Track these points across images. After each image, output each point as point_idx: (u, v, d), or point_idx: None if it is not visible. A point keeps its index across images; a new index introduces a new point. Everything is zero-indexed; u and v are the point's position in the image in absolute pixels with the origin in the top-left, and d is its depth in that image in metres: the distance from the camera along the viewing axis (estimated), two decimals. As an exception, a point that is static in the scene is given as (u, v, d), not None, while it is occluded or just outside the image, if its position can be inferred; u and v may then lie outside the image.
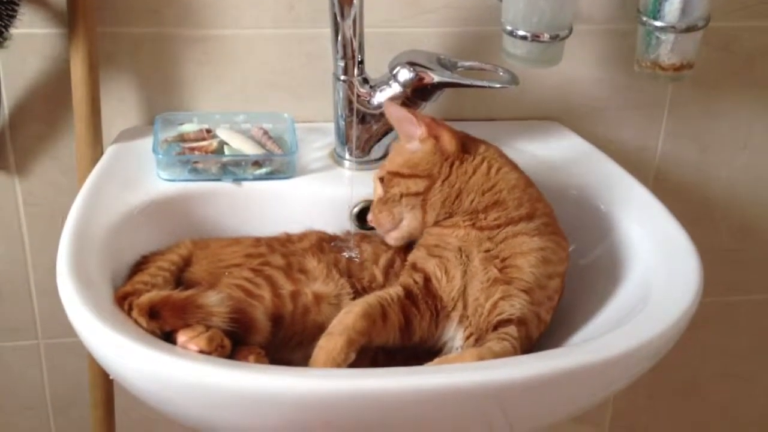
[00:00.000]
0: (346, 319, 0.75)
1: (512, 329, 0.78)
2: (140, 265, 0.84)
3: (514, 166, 0.88)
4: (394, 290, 0.80)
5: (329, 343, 0.73)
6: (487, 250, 0.82)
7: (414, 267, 0.84)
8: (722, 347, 1.36)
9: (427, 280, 0.82)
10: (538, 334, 0.82)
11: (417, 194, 0.85)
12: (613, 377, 0.75)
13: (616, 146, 1.11)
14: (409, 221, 0.86)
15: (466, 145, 0.87)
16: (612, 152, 1.04)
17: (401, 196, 0.85)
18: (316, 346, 0.74)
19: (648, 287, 0.81)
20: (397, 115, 0.88)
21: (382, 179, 0.88)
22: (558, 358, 0.73)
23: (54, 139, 1.06)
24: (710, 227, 1.23)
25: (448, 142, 0.86)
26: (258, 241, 0.89)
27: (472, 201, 0.84)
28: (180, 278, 0.83)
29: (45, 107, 1.04)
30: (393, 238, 0.87)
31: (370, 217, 0.88)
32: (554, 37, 0.96)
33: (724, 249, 1.27)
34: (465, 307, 0.81)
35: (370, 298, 0.78)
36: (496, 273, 0.81)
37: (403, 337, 0.79)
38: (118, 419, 1.13)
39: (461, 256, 0.82)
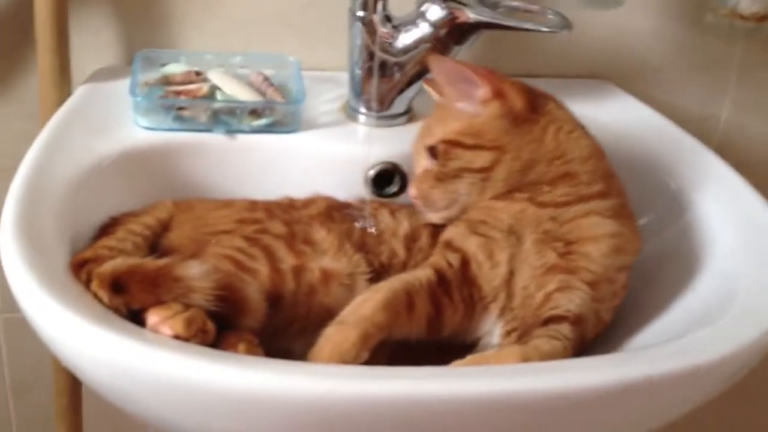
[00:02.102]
0: (364, 307, 0.64)
1: (566, 328, 0.67)
2: (108, 227, 0.73)
3: (586, 131, 0.75)
4: (424, 273, 0.68)
5: (339, 333, 0.62)
6: (546, 231, 0.69)
7: (449, 245, 0.71)
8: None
9: (464, 263, 0.70)
10: (594, 336, 0.70)
11: (482, 170, 0.72)
12: (688, 394, 0.62)
13: (673, 113, 1.00)
14: (465, 200, 0.74)
15: (534, 101, 0.74)
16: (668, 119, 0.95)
17: (463, 171, 0.73)
18: (321, 335, 0.63)
19: (732, 279, 0.70)
20: (448, 71, 0.74)
21: (432, 149, 0.74)
22: (625, 365, 0.60)
23: (14, 79, 0.96)
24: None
25: (515, 99, 0.73)
26: (254, 204, 0.78)
27: (539, 172, 0.72)
28: (156, 246, 0.74)
29: (5, 40, 0.94)
30: (440, 217, 0.75)
31: (412, 192, 0.76)
32: (619, -28, 0.85)
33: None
34: (509, 297, 0.69)
35: (395, 284, 0.67)
36: (555, 259, 0.69)
37: (431, 331, 0.68)
38: (87, 408, 1.04)
39: (511, 237, 0.70)
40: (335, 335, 0.62)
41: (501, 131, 0.72)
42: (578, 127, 0.75)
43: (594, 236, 0.69)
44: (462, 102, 0.74)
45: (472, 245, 0.70)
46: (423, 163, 0.76)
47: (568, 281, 0.68)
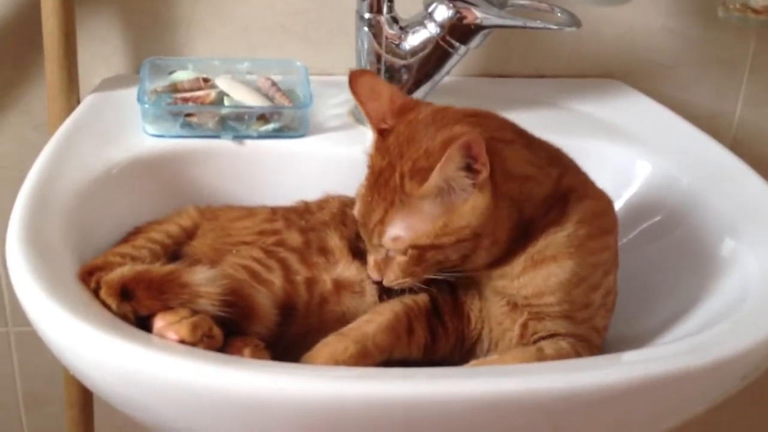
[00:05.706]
0: (368, 327, 0.64)
1: (564, 339, 0.65)
2: (130, 236, 0.73)
3: (537, 154, 0.65)
4: (422, 299, 0.67)
5: (339, 343, 0.62)
6: (496, 289, 0.66)
7: None
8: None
9: (452, 289, 0.69)
10: (601, 341, 0.69)
11: (461, 258, 0.64)
12: (703, 391, 0.61)
13: (685, 111, 0.98)
14: None
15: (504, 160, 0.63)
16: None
17: (439, 264, 0.64)
18: (320, 342, 0.62)
19: (747, 276, 0.68)
20: (446, 162, 0.59)
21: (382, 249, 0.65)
22: (639, 363, 0.59)
23: (22, 89, 0.95)
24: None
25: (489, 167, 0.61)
26: (274, 213, 0.77)
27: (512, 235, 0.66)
28: (179, 254, 0.72)
29: (13, 49, 0.93)
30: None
31: (375, 278, 0.66)
32: (627, -32, 0.83)
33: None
34: (491, 331, 0.68)
35: (397, 307, 0.66)
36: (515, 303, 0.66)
37: (426, 355, 0.67)
38: (98, 421, 1.03)
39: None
40: (335, 344, 0.61)
41: (487, 216, 0.61)
42: (533, 164, 0.64)
43: (549, 289, 0.64)
44: (442, 194, 0.61)
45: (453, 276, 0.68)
46: (381, 250, 0.65)
47: (538, 314, 0.65)
